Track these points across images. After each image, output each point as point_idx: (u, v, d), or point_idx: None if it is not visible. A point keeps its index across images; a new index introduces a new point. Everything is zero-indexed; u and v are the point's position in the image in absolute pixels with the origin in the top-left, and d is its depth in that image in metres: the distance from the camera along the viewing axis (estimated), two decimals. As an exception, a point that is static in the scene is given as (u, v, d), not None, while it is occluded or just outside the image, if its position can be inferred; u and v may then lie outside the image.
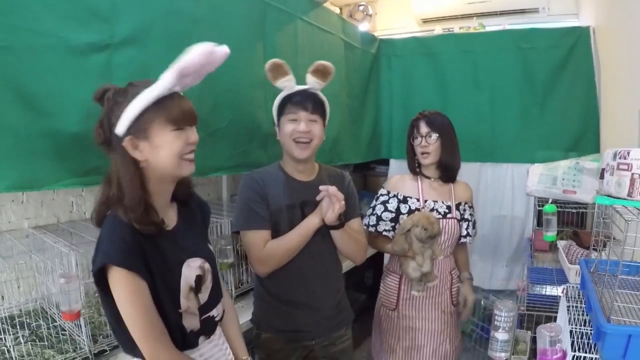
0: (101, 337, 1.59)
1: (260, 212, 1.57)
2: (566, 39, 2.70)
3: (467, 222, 2.04)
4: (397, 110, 3.23)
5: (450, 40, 3.03)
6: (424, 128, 1.98)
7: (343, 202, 1.54)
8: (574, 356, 0.97)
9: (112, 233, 1.04)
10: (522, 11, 3.33)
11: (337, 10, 3.68)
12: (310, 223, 1.58)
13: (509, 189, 2.93)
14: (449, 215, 1.99)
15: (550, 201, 2.26)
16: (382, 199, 2.02)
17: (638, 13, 1.94)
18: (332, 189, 1.52)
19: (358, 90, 2.89)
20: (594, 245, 1.18)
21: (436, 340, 2.00)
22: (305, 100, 1.56)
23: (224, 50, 1.09)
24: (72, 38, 1.27)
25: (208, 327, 1.23)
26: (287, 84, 1.58)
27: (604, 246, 1.09)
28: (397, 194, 2.00)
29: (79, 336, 1.54)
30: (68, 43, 1.27)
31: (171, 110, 1.05)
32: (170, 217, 1.19)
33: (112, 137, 1.06)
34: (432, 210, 1.97)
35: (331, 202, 1.52)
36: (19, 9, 1.16)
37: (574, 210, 2.53)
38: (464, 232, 2.03)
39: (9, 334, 1.50)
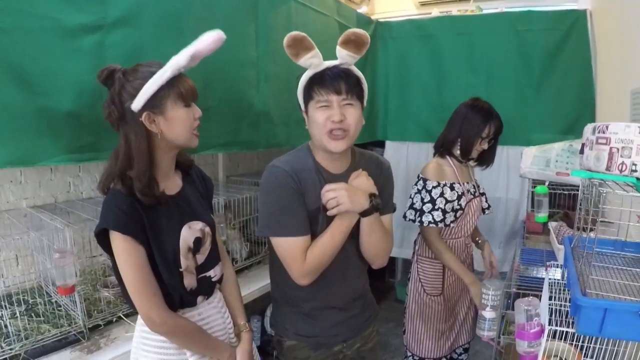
0: (95, 312, 1.64)
1: (300, 214, 1.32)
2: (563, 21, 2.68)
3: (484, 196, 2.20)
4: (393, 92, 3.24)
5: (446, 22, 3.01)
6: (491, 135, 2.00)
7: (368, 181, 1.35)
8: (550, 330, 0.99)
9: (111, 202, 1.14)
10: (520, -6, 3.31)
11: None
12: (348, 217, 1.33)
13: (504, 171, 2.94)
14: (476, 194, 2.11)
15: (547, 183, 2.27)
16: (437, 191, 1.98)
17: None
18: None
19: (353, 72, 2.88)
20: (577, 224, 1.19)
21: (472, 307, 2.18)
22: (337, 80, 1.26)
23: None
24: (65, 19, 1.30)
25: (205, 287, 1.31)
26: (313, 61, 1.28)
27: (586, 223, 1.11)
28: (446, 182, 2.01)
29: (74, 311, 1.58)
30: (62, 24, 1.29)
31: (181, 88, 1.16)
32: (176, 183, 1.29)
33: (126, 112, 1.13)
34: (467, 191, 2.05)
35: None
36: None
37: (566, 192, 2.55)
38: (485, 205, 2.21)
39: (6, 310, 1.55)
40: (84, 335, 1.54)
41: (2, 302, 1.59)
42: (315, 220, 1.35)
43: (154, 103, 1.13)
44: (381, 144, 3.41)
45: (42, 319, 1.58)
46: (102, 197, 2.08)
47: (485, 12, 3.25)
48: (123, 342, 1.54)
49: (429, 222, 1.97)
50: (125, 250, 1.12)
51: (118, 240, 1.12)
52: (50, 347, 1.47)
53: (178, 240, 1.21)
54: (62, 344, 1.50)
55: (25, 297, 1.71)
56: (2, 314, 1.55)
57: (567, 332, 1.01)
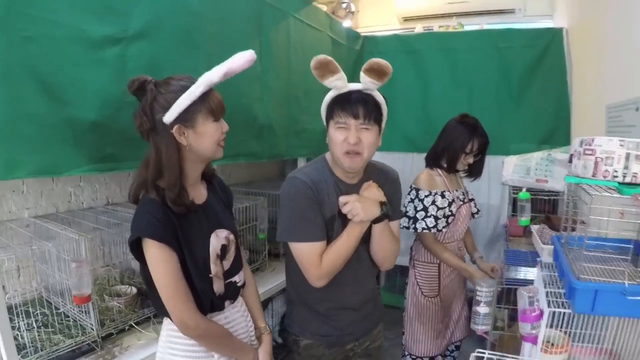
0: (108, 321, 1.65)
1: (317, 222, 1.41)
2: (541, 39, 2.88)
3: (473, 201, 2.33)
4: (380, 104, 3.35)
5: (431, 38, 3.18)
6: (475, 150, 2.12)
7: (378, 191, 1.46)
8: (550, 311, 1.14)
9: (145, 210, 1.17)
10: (500, 11, 3.53)
11: (323, 8, 3.80)
12: (360, 224, 1.43)
13: (485, 179, 3.07)
14: (465, 200, 2.24)
15: (524, 189, 2.42)
16: (429, 199, 2.11)
17: (607, 16, 2.10)
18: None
19: (342, 86, 3.00)
20: (564, 224, 1.33)
21: (465, 307, 2.34)
22: (356, 105, 1.36)
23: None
24: (90, 30, 1.34)
25: (231, 292, 1.37)
26: (337, 84, 1.37)
27: (574, 223, 1.26)
28: (437, 191, 2.13)
29: (86, 321, 1.59)
30: (86, 35, 1.33)
31: (211, 103, 1.20)
32: (202, 193, 1.34)
33: (157, 124, 1.16)
34: (457, 198, 2.18)
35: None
36: (41, 0, 1.22)
37: (546, 198, 2.72)
38: (474, 210, 2.33)
39: (23, 320, 1.55)
40: (98, 344, 1.55)
41: (14, 315, 1.57)
42: (330, 227, 1.45)
43: (186, 117, 1.16)
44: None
45: (55, 329, 1.58)
46: (102, 207, 2.12)
47: (466, 28, 3.43)
48: (137, 349, 1.57)
49: (423, 229, 2.09)
50: (161, 257, 1.15)
51: (153, 248, 1.14)
52: (64, 358, 1.48)
53: (208, 247, 1.26)
54: (76, 354, 1.51)
55: (31, 309, 1.67)
56: (18, 326, 1.54)
57: (556, 322, 1.15)
